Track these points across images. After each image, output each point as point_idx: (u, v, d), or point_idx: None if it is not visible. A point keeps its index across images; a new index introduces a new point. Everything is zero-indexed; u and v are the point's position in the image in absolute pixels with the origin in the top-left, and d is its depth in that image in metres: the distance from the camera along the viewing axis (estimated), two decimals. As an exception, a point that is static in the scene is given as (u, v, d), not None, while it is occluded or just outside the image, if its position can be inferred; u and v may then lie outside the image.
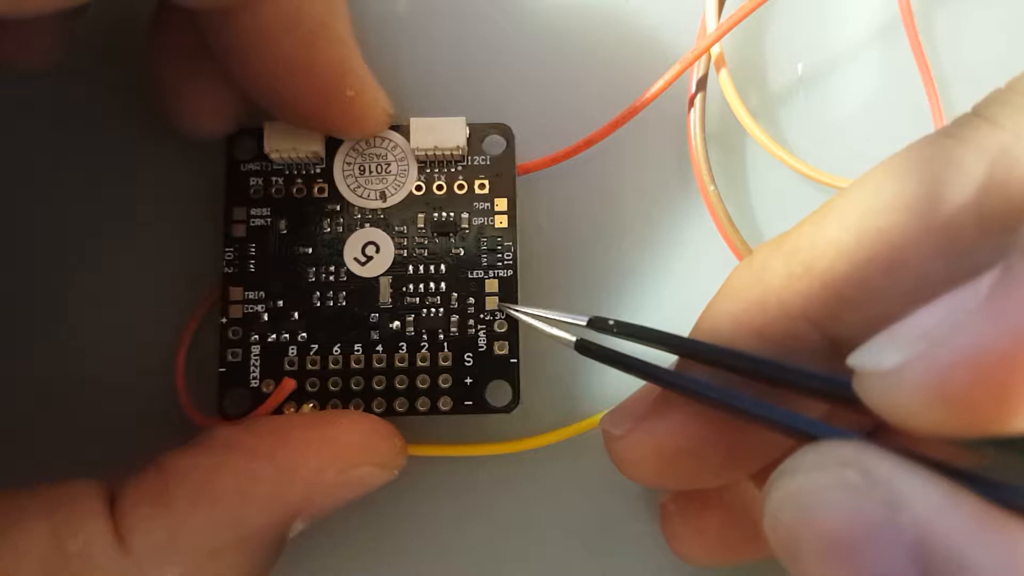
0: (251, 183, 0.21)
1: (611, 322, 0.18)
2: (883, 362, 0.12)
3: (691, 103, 0.22)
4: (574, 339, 0.18)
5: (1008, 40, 0.24)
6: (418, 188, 0.21)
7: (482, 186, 0.21)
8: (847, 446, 0.12)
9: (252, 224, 0.21)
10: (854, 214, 0.14)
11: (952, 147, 0.13)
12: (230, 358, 0.20)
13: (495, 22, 0.23)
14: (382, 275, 0.21)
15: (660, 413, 0.17)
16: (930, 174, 0.13)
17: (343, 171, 0.21)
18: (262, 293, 0.20)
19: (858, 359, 0.12)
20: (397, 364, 0.20)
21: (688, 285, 0.22)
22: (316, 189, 0.21)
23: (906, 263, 0.13)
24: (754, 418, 0.15)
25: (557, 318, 0.19)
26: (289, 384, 0.20)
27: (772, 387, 0.15)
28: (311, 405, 0.20)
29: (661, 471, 0.17)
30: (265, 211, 0.21)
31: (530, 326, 0.19)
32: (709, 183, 0.21)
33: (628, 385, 0.22)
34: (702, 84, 0.22)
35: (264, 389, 0.20)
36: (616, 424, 0.18)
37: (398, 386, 0.20)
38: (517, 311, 0.20)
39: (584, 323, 0.18)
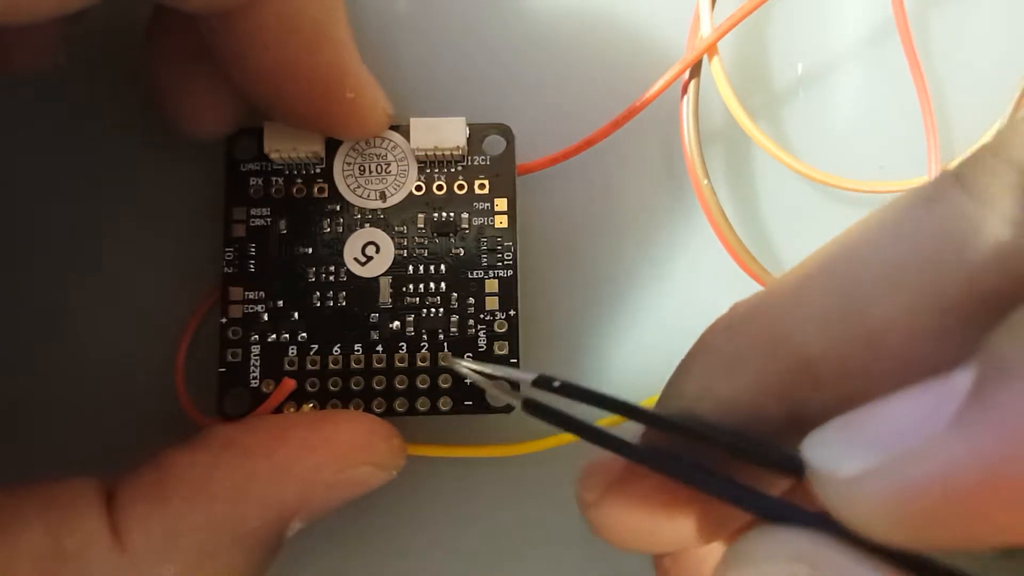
0: (251, 183, 0.21)
1: (556, 382, 0.16)
2: (839, 467, 0.11)
3: (684, 90, 0.22)
4: (519, 401, 0.17)
5: (1003, 40, 0.24)
6: (418, 188, 0.21)
7: (482, 186, 0.21)
8: (801, 537, 0.12)
9: (252, 224, 0.21)
10: (835, 286, 0.13)
11: (938, 222, 0.12)
12: (230, 358, 0.20)
13: (495, 22, 0.23)
14: (382, 275, 0.21)
15: (634, 475, 0.16)
16: (917, 250, 0.12)
17: (343, 171, 0.21)
18: (262, 293, 0.20)
19: (813, 455, 0.12)
20: (397, 364, 0.20)
21: (688, 285, 0.22)
22: (316, 189, 0.21)
23: (888, 343, 0.12)
24: (711, 496, 0.14)
25: (504, 375, 0.18)
26: (289, 384, 0.20)
27: (734, 459, 0.14)
28: (311, 405, 0.20)
29: (641, 540, 0.16)
30: (265, 211, 0.21)
31: (480, 377, 0.18)
32: (702, 177, 0.21)
33: (629, 387, 0.22)
34: (696, 72, 0.22)
35: (264, 389, 0.20)
36: (589, 487, 0.16)
37: (398, 386, 0.20)
38: (462, 366, 0.19)
39: (531, 380, 0.17)
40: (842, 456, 0.11)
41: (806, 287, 0.13)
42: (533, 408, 0.16)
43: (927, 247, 0.12)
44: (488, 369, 0.18)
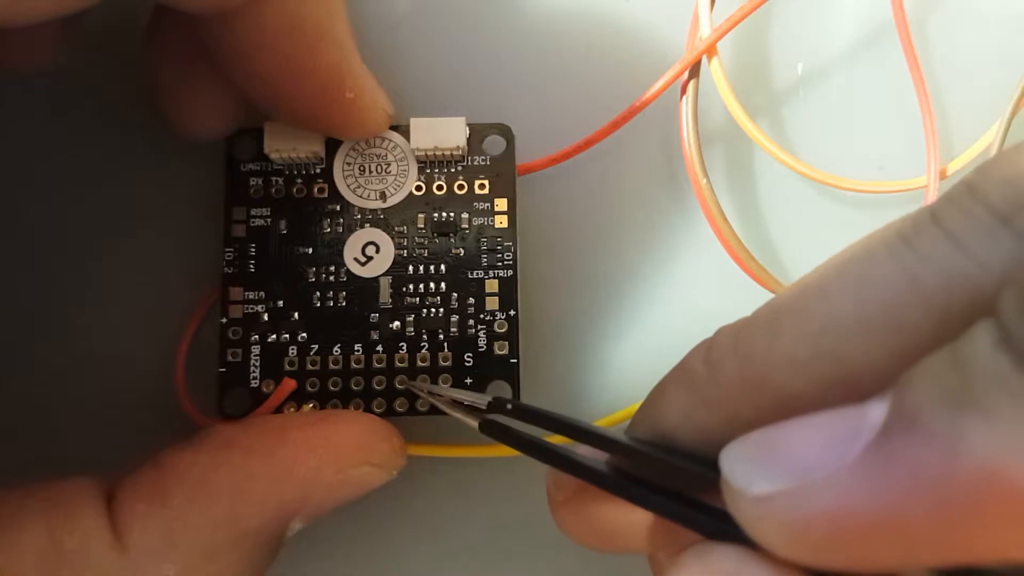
0: (251, 183, 0.21)
1: (509, 405, 0.17)
2: (750, 487, 0.12)
3: (683, 91, 0.22)
4: (477, 421, 0.17)
5: (1002, 40, 0.24)
6: (418, 188, 0.21)
7: (482, 186, 0.21)
8: (729, 558, 0.13)
9: (252, 224, 0.21)
10: (811, 328, 0.13)
11: (911, 265, 0.12)
12: (230, 358, 0.20)
13: (495, 22, 0.23)
14: (382, 275, 0.21)
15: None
16: (889, 294, 0.12)
17: (343, 171, 0.21)
18: (262, 293, 0.20)
19: (729, 468, 0.12)
20: (397, 364, 0.20)
21: (687, 284, 0.22)
22: (316, 189, 0.21)
23: (863, 385, 0.12)
24: (656, 514, 0.15)
25: (460, 398, 0.18)
26: (289, 384, 0.20)
27: (693, 483, 0.14)
28: (311, 405, 0.20)
29: (605, 544, 0.17)
30: (265, 211, 0.21)
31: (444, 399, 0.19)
32: (701, 177, 0.21)
33: (629, 387, 0.22)
34: (695, 73, 0.22)
35: (264, 389, 0.20)
36: (559, 486, 0.17)
37: (398, 386, 0.20)
38: (417, 388, 0.20)
39: (486, 403, 0.17)
40: (753, 476, 0.12)
41: (781, 324, 0.13)
42: (490, 429, 0.17)
43: (896, 293, 0.12)
44: (445, 391, 0.19)
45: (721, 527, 0.13)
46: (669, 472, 0.14)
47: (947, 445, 0.10)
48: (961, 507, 0.10)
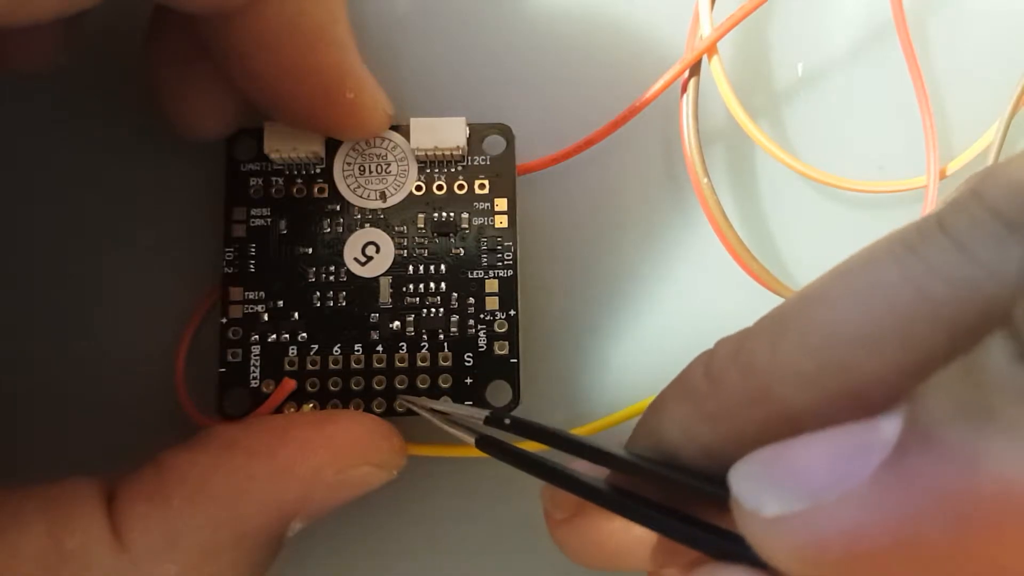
0: (251, 183, 0.21)
1: (507, 420, 0.16)
2: (761, 507, 0.12)
3: (683, 90, 0.22)
4: (473, 438, 0.17)
5: (1001, 40, 0.24)
6: (418, 188, 0.21)
7: (482, 186, 0.21)
8: None
9: (252, 224, 0.21)
10: (815, 340, 0.13)
11: (918, 274, 0.12)
12: (230, 358, 0.20)
13: (495, 22, 0.23)
14: (382, 275, 0.21)
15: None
16: (896, 304, 0.12)
17: (343, 171, 0.21)
18: (262, 293, 0.20)
19: (739, 487, 0.12)
20: (397, 364, 0.20)
21: (688, 284, 0.22)
22: (316, 189, 0.21)
23: (871, 399, 0.12)
24: (661, 535, 0.14)
25: (457, 413, 0.18)
26: (289, 384, 0.20)
27: (695, 498, 0.14)
28: (311, 405, 0.20)
29: (606, 563, 0.16)
30: (265, 211, 0.21)
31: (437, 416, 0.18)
32: (702, 176, 0.21)
33: (629, 387, 0.22)
34: (695, 72, 0.22)
35: (264, 389, 0.20)
36: (558, 505, 0.17)
37: (398, 386, 0.20)
38: (415, 405, 0.19)
39: (483, 418, 0.17)
40: (764, 495, 0.12)
41: (784, 335, 0.13)
42: (488, 445, 0.16)
43: (902, 303, 0.12)
44: (443, 407, 0.18)
45: (726, 546, 0.13)
46: (671, 489, 0.14)
47: (965, 461, 0.10)
48: (980, 524, 0.10)
